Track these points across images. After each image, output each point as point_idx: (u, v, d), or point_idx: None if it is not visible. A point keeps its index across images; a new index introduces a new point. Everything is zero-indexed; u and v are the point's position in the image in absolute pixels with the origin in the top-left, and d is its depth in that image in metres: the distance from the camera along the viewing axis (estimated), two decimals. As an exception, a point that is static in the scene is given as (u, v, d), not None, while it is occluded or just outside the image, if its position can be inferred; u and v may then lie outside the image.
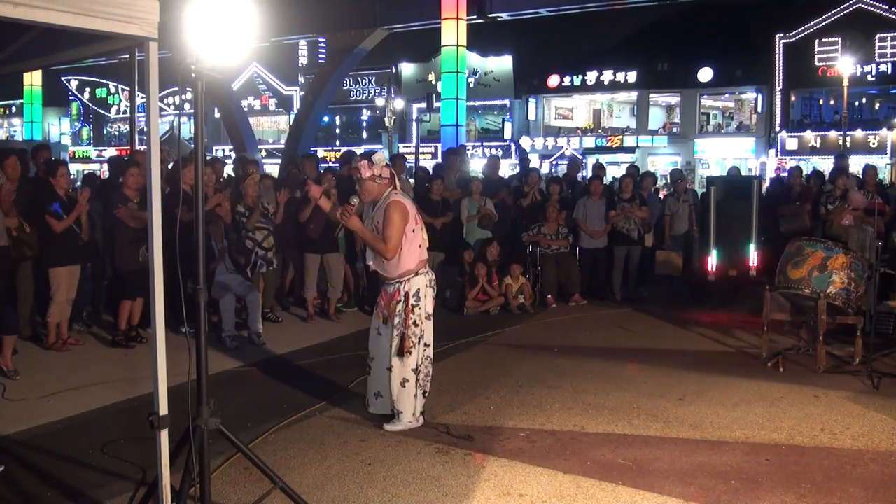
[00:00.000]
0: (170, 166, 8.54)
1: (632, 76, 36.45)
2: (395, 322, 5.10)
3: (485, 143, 37.94)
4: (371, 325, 5.38)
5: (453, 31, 26.67)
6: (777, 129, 33.48)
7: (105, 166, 13.80)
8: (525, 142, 38.15)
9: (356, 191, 5.22)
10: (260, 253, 8.39)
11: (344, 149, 20.99)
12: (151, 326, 3.44)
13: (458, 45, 26.81)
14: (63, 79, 48.79)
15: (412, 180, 11.28)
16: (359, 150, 33.23)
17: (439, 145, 30.44)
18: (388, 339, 5.19)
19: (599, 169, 13.33)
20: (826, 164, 21.48)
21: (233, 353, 7.28)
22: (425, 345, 5.23)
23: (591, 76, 37.25)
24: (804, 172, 12.37)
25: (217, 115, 37.05)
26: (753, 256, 9.74)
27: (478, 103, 38.28)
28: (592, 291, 10.32)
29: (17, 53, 4.61)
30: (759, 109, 34.97)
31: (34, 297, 7.46)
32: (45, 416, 5.44)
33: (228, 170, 10.58)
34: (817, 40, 32.11)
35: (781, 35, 32.73)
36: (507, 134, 38.92)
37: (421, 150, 35.29)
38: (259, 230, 8.38)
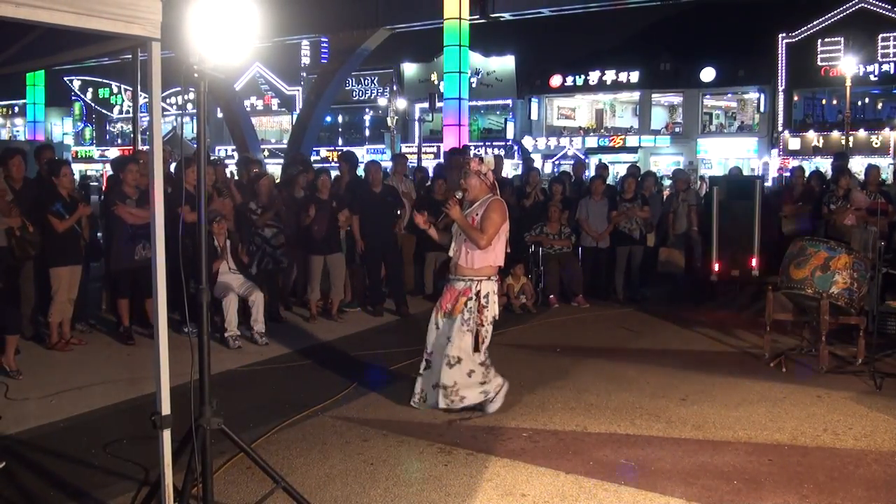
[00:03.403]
0: (171, 167, 8.56)
1: (634, 76, 36.44)
2: (465, 317, 5.40)
3: (487, 144, 37.95)
4: (430, 320, 5.65)
5: (455, 31, 26.66)
6: (780, 129, 33.47)
7: (107, 166, 13.74)
8: (527, 142, 38.17)
9: (460, 185, 5.65)
10: (268, 250, 8.42)
11: (345, 149, 21.10)
12: (154, 326, 3.45)
13: (460, 45, 26.81)
14: (66, 79, 48.88)
15: (412, 179, 11.29)
16: (360, 150, 33.38)
17: (441, 145, 30.44)
18: (445, 333, 5.48)
19: (602, 169, 13.32)
20: (829, 165, 21.43)
21: (235, 353, 7.29)
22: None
23: (594, 76, 37.26)
24: (806, 173, 12.32)
25: (220, 114, 37.10)
26: (756, 256, 9.72)
27: (480, 103, 38.27)
28: (595, 291, 10.31)
29: (20, 53, 4.61)
30: (762, 109, 34.97)
31: (36, 297, 7.48)
32: (48, 416, 5.45)
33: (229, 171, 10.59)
34: (820, 40, 32.11)
35: (784, 35, 32.72)
36: (510, 134, 38.92)
37: (423, 150, 35.29)
38: (269, 227, 8.42)
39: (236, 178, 10.03)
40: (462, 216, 5.44)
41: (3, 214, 6.77)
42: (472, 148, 29.72)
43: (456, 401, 5.44)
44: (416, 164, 19.68)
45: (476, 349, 5.43)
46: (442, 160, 22.25)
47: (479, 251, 5.42)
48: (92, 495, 4.16)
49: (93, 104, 49.90)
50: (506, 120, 39.55)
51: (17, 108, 50.04)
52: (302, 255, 8.97)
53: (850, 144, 28.99)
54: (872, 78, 31.55)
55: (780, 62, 32.94)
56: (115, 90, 48.49)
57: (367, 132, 42.89)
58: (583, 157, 31.97)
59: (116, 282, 7.72)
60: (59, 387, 6.07)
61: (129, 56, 8.66)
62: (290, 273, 9.29)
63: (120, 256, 7.46)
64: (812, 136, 33.01)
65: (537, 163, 29.55)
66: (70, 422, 5.37)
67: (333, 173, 9.95)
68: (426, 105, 34.02)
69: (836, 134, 31.72)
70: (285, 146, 35.60)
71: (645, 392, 6.11)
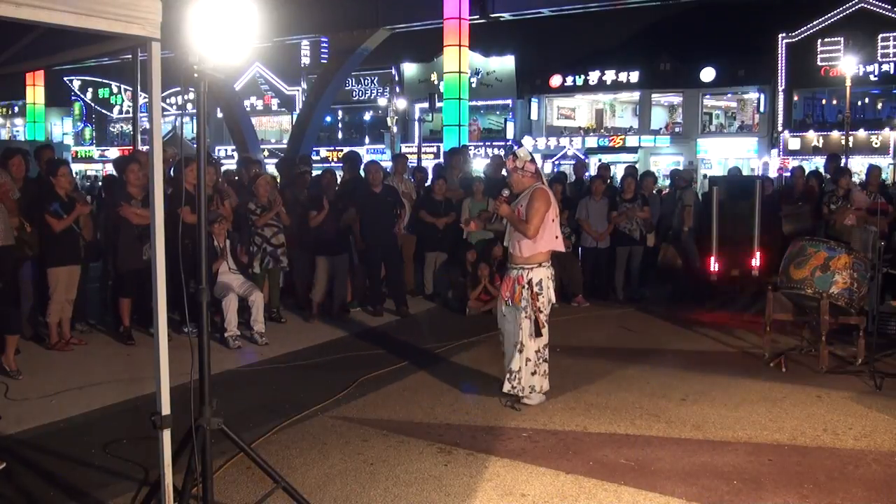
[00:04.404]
0: (171, 171, 8.56)
1: (634, 76, 36.44)
2: (524, 305, 5.64)
3: (487, 144, 37.95)
4: (497, 309, 5.97)
5: (455, 31, 26.66)
6: (779, 129, 33.47)
7: (108, 166, 13.74)
8: (527, 142, 38.14)
9: (507, 183, 5.92)
10: (268, 249, 8.42)
11: (346, 149, 21.12)
12: (154, 326, 3.45)
13: (460, 45, 26.81)
14: (65, 79, 48.86)
15: (412, 179, 11.29)
16: (360, 150, 33.50)
17: (441, 145, 30.46)
18: (512, 321, 5.74)
19: (604, 170, 13.31)
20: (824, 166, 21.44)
21: (235, 353, 7.29)
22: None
23: (594, 76, 37.25)
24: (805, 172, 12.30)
25: (220, 115, 37.08)
26: (756, 256, 9.72)
27: (480, 103, 38.26)
28: (595, 291, 10.30)
29: (20, 53, 4.62)
30: (762, 109, 34.96)
31: (36, 297, 7.47)
32: (48, 416, 5.45)
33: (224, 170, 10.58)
34: (820, 40, 32.12)
35: (784, 35, 32.73)
36: (510, 134, 38.91)
37: (423, 150, 35.29)
38: (269, 227, 8.43)
39: (233, 178, 10.02)
40: (511, 211, 5.71)
41: (10, 213, 6.76)
42: (472, 148, 29.73)
43: (516, 386, 5.66)
44: (416, 164, 19.70)
45: (537, 334, 5.64)
46: (442, 160, 22.25)
47: (526, 239, 5.63)
48: (92, 495, 4.16)
49: (93, 104, 49.88)
50: (506, 120, 39.54)
51: (17, 108, 50.03)
52: (308, 256, 8.95)
53: (850, 144, 28.98)
54: (872, 78, 31.56)
55: (780, 62, 32.95)
56: (115, 90, 48.48)
57: (367, 132, 42.87)
58: (583, 157, 31.99)
59: (121, 282, 7.71)
60: (59, 387, 6.07)
61: (129, 56, 8.65)
62: (291, 273, 9.30)
63: (127, 257, 7.45)
64: (812, 136, 33.01)
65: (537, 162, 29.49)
66: (70, 422, 5.37)
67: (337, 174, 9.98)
68: (426, 105, 34.00)
69: (836, 134, 31.72)
70: (285, 146, 35.59)
71: (645, 392, 6.11)
